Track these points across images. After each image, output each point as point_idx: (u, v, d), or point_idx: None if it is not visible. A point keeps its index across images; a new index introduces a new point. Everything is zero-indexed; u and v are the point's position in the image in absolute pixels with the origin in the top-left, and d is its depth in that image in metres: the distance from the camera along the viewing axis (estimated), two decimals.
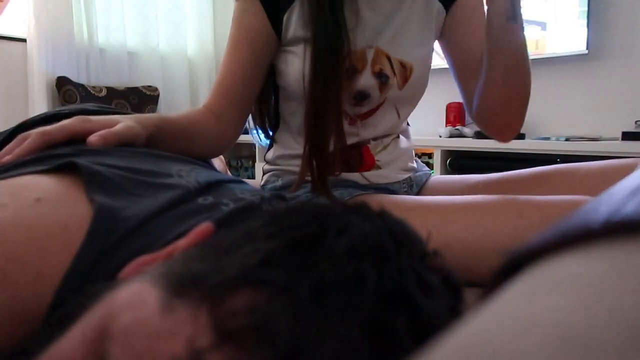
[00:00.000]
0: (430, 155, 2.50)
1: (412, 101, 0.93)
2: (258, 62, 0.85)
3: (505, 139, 0.86)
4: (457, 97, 1.01)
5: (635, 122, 2.13)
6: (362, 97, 0.84)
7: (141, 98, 2.88)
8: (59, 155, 0.51)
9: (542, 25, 2.40)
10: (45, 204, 0.42)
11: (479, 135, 2.37)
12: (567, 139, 2.11)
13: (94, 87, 2.73)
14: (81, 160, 0.47)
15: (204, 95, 3.29)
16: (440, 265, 0.31)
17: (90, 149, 0.55)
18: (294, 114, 0.90)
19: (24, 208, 0.41)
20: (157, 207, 0.45)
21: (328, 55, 0.78)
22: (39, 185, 0.44)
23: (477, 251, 0.67)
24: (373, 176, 0.91)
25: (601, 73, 2.29)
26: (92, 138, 0.56)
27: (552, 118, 2.45)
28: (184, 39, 3.23)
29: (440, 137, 2.45)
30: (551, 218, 0.64)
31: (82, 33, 2.75)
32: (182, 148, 0.71)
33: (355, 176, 0.90)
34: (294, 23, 0.83)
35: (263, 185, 0.97)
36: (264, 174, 0.99)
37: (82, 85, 2.68)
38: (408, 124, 1.01)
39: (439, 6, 0.88)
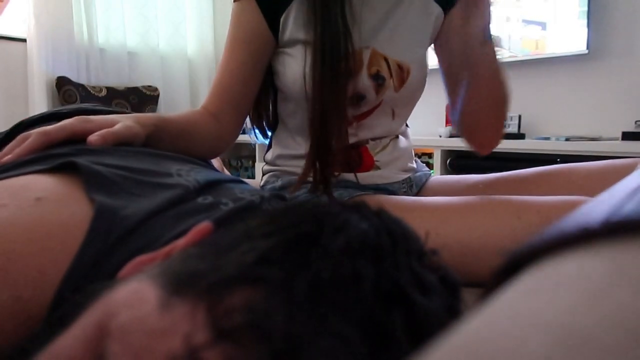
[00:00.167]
0: (430, 155, 2.50)
1: (409, 103, 0.93)
2: (256, 63, 0.85)
3: (485, 152, 0.87)
4: None
5: (635, 122, 2.13)
6: (358, 98, 0.84)
7: (141, 98, 2.88)
8: (59, 155, 0.51)
9: (542, 25, 2.40)
10: (46, 203, 0.42)
11: None
12: (567, 139, 2.11)
13: (94, 87, 2.73)
14: (81, 160, 0.47)
15: (204, 95, 3.29)
16: (438, 264, 0.31)
17: (90, 148, 0.55)
18: (293, 114, 0.90)
19: (24, 208, 0.41)
20: (157, 206, 0.45)
21: (330, 57, 0.78)
22: (39, 185, 0.45)
23: (476, 251, 0.67)
24: (372, 176, 0.91)
25: (601, 73, 2.29)
26: (92, 138, 0.56)
27: (552, 118, 2.45)
28: (184, 39, 3.23)
29: (440, 137, 2.45)
30: (551, 218, 0.64)
31: (82, 33, 2.76)
32: (181, 147, 0.71)
33: (354, 176, 0.90)
34: (291, 25, 0.83)
35: (262, 185, 0.97)
36: (263, 174, 0.99)
37: (82, 85, 2.68)
38: (407, 125, 1.01)
39: (438, 11, 0.88)
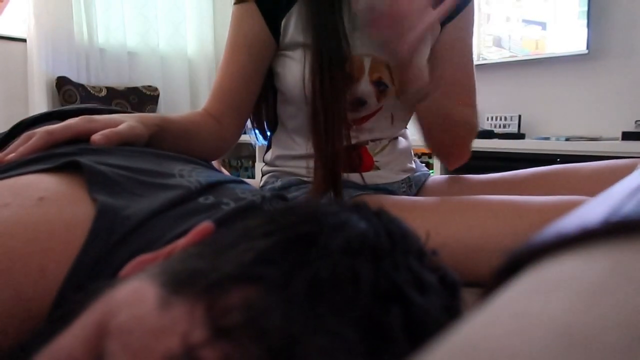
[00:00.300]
0: (430, 155, 2.50)
1: (409, 109, 0.93)
2: (256, 66, 0.85)
3: (452, 168, 0.93)
4: None
5: (635, 122, 2.13)
6: (359, 103, 0.84)
7: (141, 98, 2.88)
8: (62, 155, 0.51)
9: (542, 25, 2.40)
10: (48, 203, 0.42)
11: (478, 135, 2.37)
12: (567, 139, 2.11)
13: (94, 87, 2.73)
14: (84, 160, 0.47)
15: (204, 95, 3.29)
16: (438, 264, 0.31)
17: (93, 148, 0.55)
18: (293, 116, 0.90)
19: (27, 207, 0.41)
20: (158, 206, 0.45)
21: (328, 63, 0.78)
22: (42, 185, 0.45)
23: (476, 251, 0.67)
24: (372, 177, 0.91)
25: (601, 73, 2.29)
26: (96, 137, 0.57)
27: (552, 118, 2.45)
28: (184, 39, 3.23)
29: None
30: (551, 218, 0.64)
31: (82, 33, 2.75)
32: (183, 148, 0.72)
33: (354, 177, 0.90)
34: (292, 28, 0.83)
35: (262, 186, 0.97)
36: (262, 175, 0.99)
37: (82, 85, 2.68)
38: (406, 127, 1.01)
39: (437, 25, 0.88)
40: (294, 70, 0.83)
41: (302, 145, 0.90)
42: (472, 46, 0.94)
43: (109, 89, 2.78)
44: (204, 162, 0.67)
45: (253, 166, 3.24)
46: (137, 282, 0.29)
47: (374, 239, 0.29)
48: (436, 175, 2.00)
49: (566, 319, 0.15)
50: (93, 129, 0.58)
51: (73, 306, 0.32)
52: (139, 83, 2.96)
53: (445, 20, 0.89)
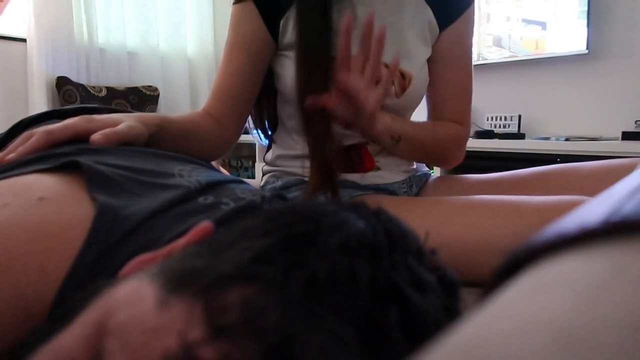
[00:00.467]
0: None
1: (408, 109, 0.93)
2: (255, 66, 0.85)
3: (451, 168, 0.96)
4: None
5: (635, 122, 2.13)
6: None
7: (141, 98, 2.88)
8: (62, 154, 0.51)
9: (542, 25, 2.40)
10: (48, 203, 0.42)
11: (479, 135, 2.37)
12: (567, 139, 2.11)
13: (94, 87, 2.73)
14: (84, 160, 0.47)
15: (204, 95, 3.29)
16: (437, 264, 0.31)
17: (93, 148, 0.55)
18: (292, 116, 0.90)
19: (27, 207, 0.41)
20: (158, 206, 0.45)
21: (311, 63, 0.78)
22: (42, 185, 0.45)
23: (476, 251, 0.67)
24: (373, 177, 0.91)
25: (601, 73, 2.29)
26: (95, 137, 0.57)
27: (552, 118, 2.45)
28: (184, 39, 3.23)
29: None
30: (551, 218, 0.64)
31: (82, 33, 2.76)
32: (183, 148, 0.72)
33: (354, 177, 0.90)
34: (291, 28, 0.83)
35: (262, 186, 0.97)
36: (263, 174, 0.99)
37: (82, 85, 2.68)
38: None
39: (430, 15, 0.88)
40: (292, 70, 0.83)
41: (302, 145, 0.90)
42: (472, 49, 0.95)
43: (109, 89, 2.78)
44: (204, 162, 0.67)
45: (253, 166, 3.25)
46: (136, 281, 0.30)
47: (373, 238, 0.29)
48: (437, 175, 2.01)
49: (566, 319, 0.15)
50: (92, 129, 0.58)
51: (73, 305, 0.32)
52: (139, 83, 2.96)
53: (445, 24, 0.89)
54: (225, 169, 3.32)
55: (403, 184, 0.95)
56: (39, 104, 2.58)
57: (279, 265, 0.26)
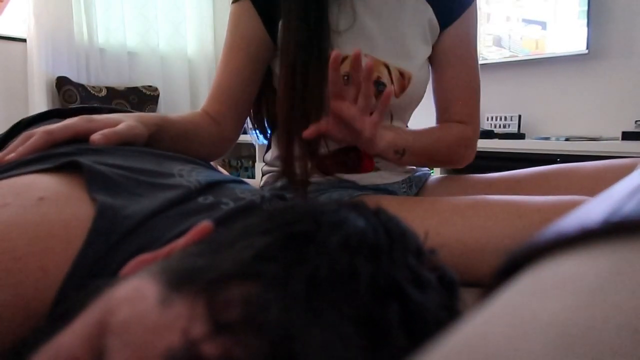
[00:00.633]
0: None
1: (408, 109, 0.93)
2: (254, 66, 0.85)
3: (461, 167, 0.97)
4: None
5: (635, 122, 2.13)
6: None
7: (141, 98, 2.88)
8: (62, 155, 0.51)
9: (542, 25, 2.40)
10: (48, 203, 0.42)
11: (479, 135, 2.37)
12: (567, 139, 2.11)
13: (94, 87, 2.73)
14: (84, 160, 0.47)
15: (204, 95, 3.29)
16: (436, 263, 0.31)
17: (93, 148, 0.55)
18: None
19: (27, 207, 0.41)
20: (158, 206, 0.45)
21: (299, 62, 0.78)
22: (42, 185, 0.45)
23: (476, 251, 0.67)
24: (372, 177, 0.91)
25: (601, 73, 2.29)
26: (95, 137, 0.57)
27: (552, 118, 2.45)
28: (184, 39, 3.23)
29: None
30: (551, 218, 0.64)
31: (82, 33, 2.76)
32: (182, 149, 0.72)
33: (354, 177, 0.90)
34: None
35: (262, 186, 0.97)
36: (262, 174, 0.99)
37: (82, 85, 2.68)
38: (407, 126, 1.01)
39: (430, 14, 0.88)
40: None
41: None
42: (476, 48, 0.94)
43: (109, 89, 2.78)
44: (204, 162, 0.68)
45: (253, 166, 3.25)
46: (137, 280, 0.30)
47: (373, 236, 0.29)
48: (436, 175, 2.00)
49: (566, 318, 0.15)
50: (92, 129, 0.58)
51: (73, 305, 0.32)
52: (139, 83, 2.96)
53: (446, 23, 0.89)
54: (225, 169, 3.32)
55: (402, 184, 0.95)
56: (39, 104, 2.58)
57: (280, 263, 0.27)
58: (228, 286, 0.26)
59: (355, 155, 0.90)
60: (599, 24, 2.24)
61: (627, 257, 0.17)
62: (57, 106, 2.64)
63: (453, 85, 0.91)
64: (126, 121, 0.62)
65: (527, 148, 2.18)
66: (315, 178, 0.88)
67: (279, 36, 0.81)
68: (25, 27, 2.61)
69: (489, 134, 2.37)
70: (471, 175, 0.95)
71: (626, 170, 0.76)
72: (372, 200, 0.81)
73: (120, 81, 2.91)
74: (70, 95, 2.60)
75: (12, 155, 0.54)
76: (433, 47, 0.91)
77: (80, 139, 0.58)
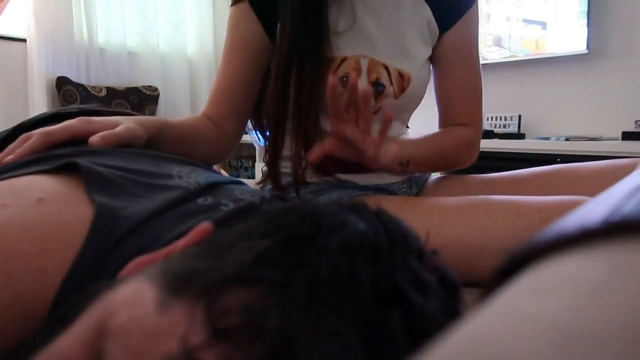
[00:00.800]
0: None
1: (408, 109, 0.93)
2: (254, 68, 0.85)
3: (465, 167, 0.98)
4: None
5: (635, 122, 2.13)
6: None
7: (141, 98, 2.88)
8: (61, 156, 0.51)
9: (542, 25, 2.40)
10: (47, 204, 0.42)
11: None
12: (567, 139, 2.11)
13: (94, 87, 2.73)
14: (82, 161, 0.47)
15: (204, 95, 3.29)
16: (438, 264, 0.31)
17: (92, 149, 0.55)
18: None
19: (26, 208, 0.41)
20: (157, 207, 0.45)
21: (295, 62, 0.78)
22: (40, 186, 0.45)
23: (476, 251, 0.67)
24: (372, 177, 0.91)
25: (601, 73, 2.29)
26: (93, 139, 0.57)
27: (552, 118, 2.45)
28: (184, 39, 3.23)
29: None
30: (551, 218, 0.64)
31: (82, 33, 2.75)
32: (183, 152, 0.72)
33: (354, 177, 0.90)
34: None
35: (262, 186, 0.97)
36: (262, 175, 0.99)
37: (82, 85, 2.68)
38: (407, 127, 1.01)
39: (429, 14, 0.88)
40: None
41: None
42: (478, 49, 0.94)
43: (109, 89, 2.78)
44: (203, 163, 0.67)
45: (253, 166, 3.24)
46: (136, 283, 0.29)
47: (374, 238, 0.29)
48: (436, 175, 2.00)
49: (566, 318, 0.15)
50: (91, 130, 0.58)
51: (72, 307, 0.32)
52: (139, 83, 2.96)
53: (447, 25, 0.88)
54: (225, 169, 3.32)
55: (403, 184, 0.95)
56: (39, 104, 2.58)
57: (280, 267, 0.26)
58: (228, 291, 0.26)
59: None
60: (599, 24, 2.24)
61: (627, 257, 0.17)
62: (57, 106, 2.64)
63: (455, 87, 0.91)
64: (125, 123, 0.62)
65: (527, 148, 2.18)
66: (315, 178, 0.88)
67: (277, 37, 0.81)
68: (25, 27, 2.61)
69: (489, 134, 2.37)
70: (471, 175, 0.95)
71: (626, 170, 0.76)
72: (372, 201, 0.81)
73: (120, 81, 2.91)
74: (70, 95, 2.60)
75: (11, 157, 0.54)
76: (434, 49, 0.90)
77: (78, 140, 0.58)
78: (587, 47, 2.24)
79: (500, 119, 2.51)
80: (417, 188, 0.98)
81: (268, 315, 0.24)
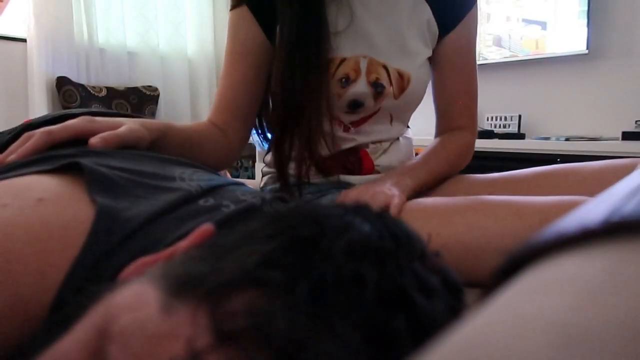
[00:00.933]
0: None
1: (408, 110, 0.93)
2: (256, 72, 0.85)
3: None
4: None
5: (635, 122, 2.13)
6: (356, 105, 0.84)
7: (141, 98, 2.88)
8: (62, 156, 0.51)
9: (542, 25, 2.40)
10: (48, 204, 0.42)
11: (479, 135, 2.37)
12: (567, 139, 2.11)
13: (94, 87, 2.73)
14: (85, 161, 0.47)
15: (204, 95, 3.29)
16: (440, 266, 0.31)
17: (94, 150, 0.55)
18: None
19: (26, 208, 0.41)
20: (158, 208, 0.45)
21: (297, 64, 0.78)
22: (41, 186, 0.44)
23: (476, 252, 0.67)
24: (372, 178, 0.91)
25: (601, 73, 2.29)
26: (94, 140, 0.56)
27: (552, 118, 2.45)
28: (184, 39, 3.23)
29: None
30: (551, 218, 0.64)
31: (82, 33, 2.75)
32: (188, 157, 0.71)
33: (354, 179, 0.90)
34: None
35: (262, 187, 0.97)
36: (263, 175, 0.99)
37: (82, 85, 2.68)
38: (408, 127, 1.01)
39: (429, 14, 0.88)
40: None
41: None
42: (475, 52, 0.95)
43: (109, 89, 2.78)
44: (205, 166, 0.67)
45: (253, 166, 3.24)
46: (138, 285, 0.29)
47: (378, 241, 0.29)
48: None
49: (566, 318, 0.15)
50: (93, 130, 0.58)
51: (73, 309, 0.32)
52: (139, 83, 2.96)
53: (448, 28, 0.89)
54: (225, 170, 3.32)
55: None
56: (39, 104, 2.58)
57: (285, 270, 0.26)
58: (232, 294, 0.25)
59: (355, 158, 0.90)
60: (599, 24, 2.24)
61: (627, 257, 0.17)
62: (57, 106, 2.64)
63: (454, 90, 0.92)
64: (128, 124, 0.62)
65: (527, 148, 2.18)
66: (316, 179, 0.88)
67: (277, 39, 0.81)
68: (25, 27, 2.61)
69: (489, 134, 2.37)
70: (471, 175, 0.95)
71: (626, 170, 0.76)
72: None
73: (120, 81, 2.91)
74: (70, 95, 2.60)
75: (13, 156, 0.54)
76: (434, 51, 0.91)
77: (81, 140, 0.58)
78: (587, 47, 2.24)
79: (500, 119, 2.51)
80: None
81: (273, 319, 0.24)
